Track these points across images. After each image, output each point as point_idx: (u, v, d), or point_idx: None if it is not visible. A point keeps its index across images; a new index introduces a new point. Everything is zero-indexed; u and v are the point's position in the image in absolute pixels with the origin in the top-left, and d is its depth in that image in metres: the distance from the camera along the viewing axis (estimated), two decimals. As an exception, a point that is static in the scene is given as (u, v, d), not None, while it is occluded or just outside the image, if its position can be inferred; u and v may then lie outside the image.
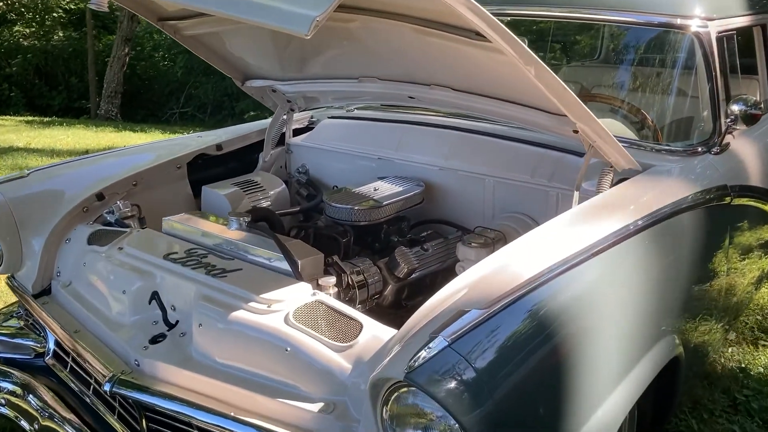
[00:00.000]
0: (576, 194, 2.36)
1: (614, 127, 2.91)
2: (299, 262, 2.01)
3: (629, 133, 2.92)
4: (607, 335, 1.84)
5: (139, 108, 16.67)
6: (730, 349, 3.61)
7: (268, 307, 1.88)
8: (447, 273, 2.60)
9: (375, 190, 2.73)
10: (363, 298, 2.26)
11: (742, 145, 2.92)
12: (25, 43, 17.43)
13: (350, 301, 2.23)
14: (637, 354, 1.96)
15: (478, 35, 1.89)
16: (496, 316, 1.56)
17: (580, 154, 2.60)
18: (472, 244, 2.42)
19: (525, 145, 2.74)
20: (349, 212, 2.56)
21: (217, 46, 2.84)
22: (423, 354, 1.45)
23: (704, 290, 2.56)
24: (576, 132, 2.29)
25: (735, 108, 2.73)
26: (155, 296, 2.06)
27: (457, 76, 2.48)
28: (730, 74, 2.99)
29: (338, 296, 2.12)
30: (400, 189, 2.76)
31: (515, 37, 1.83)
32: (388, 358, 1.54)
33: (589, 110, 2.15)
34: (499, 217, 2.71)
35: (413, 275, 2.46)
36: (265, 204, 2.98)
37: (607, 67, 4.02)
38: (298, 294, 1.92)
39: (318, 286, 1.98)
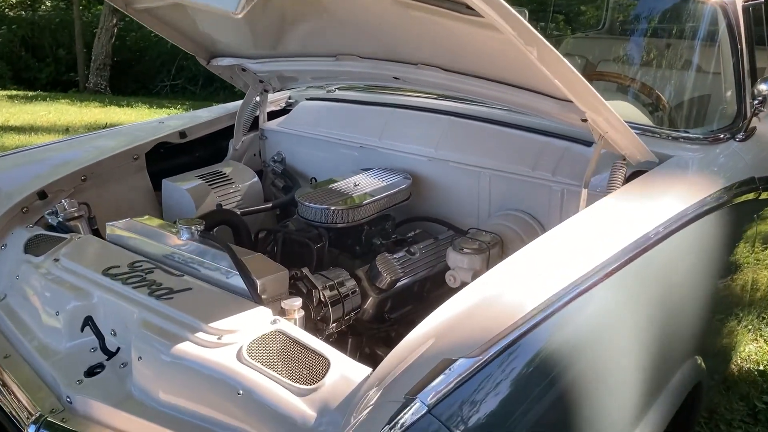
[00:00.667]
0: (584, 192, 2.04)
1: (626, 110, 2.58)
2: (258, 282, 1.69)
3: (642, 118, 2.59)
4: (623, 371, 1.54)
5: (129, 80, 16.20)
6: (747, 348, 3.33)
7: (219, 338, 1.57)
8: (437, 278, 2.30)
9: (355, 185, 2.41)
10: (337, 316, 1.95)
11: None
12: (11, 14, 16.91)
13: (323, 321, 1.93)
14: (656, 387, 1.67)
15: (469, 9, 1.56)
16: (489, 365, 1.25)
17: (589, 143, 2.28)
18: (464, 249, 2.10)
19: (526, 132, 2.42)
20: (325, 213, 2.24)
21: (176, 21, 2.49)
22: (396, 422, 1.15)
23: (729, 297, 2.26)
24: (585, 121, 1.97)
25: (763, 88, 2.41)
26: (89, 322, 1.75)
27: (447, 55, 2.15)
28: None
29: (306, 319, 1.81)
30: (384, 184, 2.44)
31: (514, 11, 1.50)
32: (352, 427, 1.23)
33: (600, 97, 1.83)
34: (495, 216, 2.39)
35: (398, 285, 2.15)
36: (234, 199, 2.67)
37: (615, 40, 3.68)
38: (255, 322, 1.61)
39: (281, 311, 1.67)
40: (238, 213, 2.41)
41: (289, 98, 3.21)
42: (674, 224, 1.85)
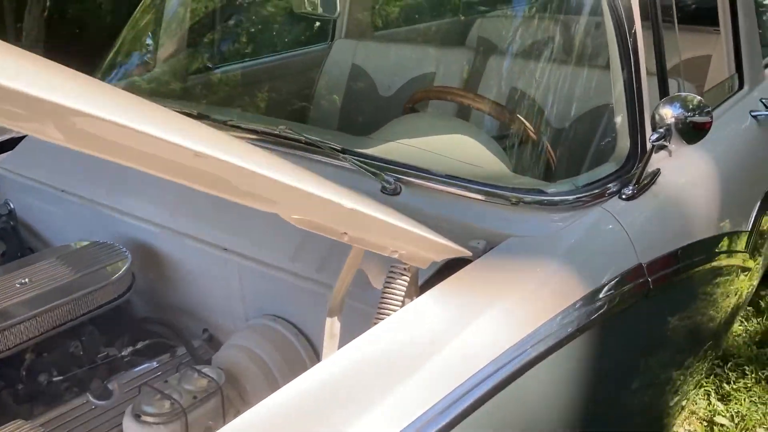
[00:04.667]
0: (328, 324, 1.19)
1: (462, 144, 1.72)
2: None
3: (485, 156, 1.72)
4: None
5: (69, 60, 15.13)
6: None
7: None
8: None
9: (22, 283, 1.54)
10: None
11: (679, 170, 1.72)
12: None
13: None
14: None
15: None
16: None
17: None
18: (144, 416, 1.25)
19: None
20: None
21: None
22: None
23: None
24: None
25: (668, 112, 1.55)
26: None
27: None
28: (674, 28, 1.84)
29: None
30: (73, 278, 1.57)
31: None
32: None
33: (314, 194, 0.96)
34: (244, 328, 1.54)
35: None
36: None
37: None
38: None
39: None
40: None
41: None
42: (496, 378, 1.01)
